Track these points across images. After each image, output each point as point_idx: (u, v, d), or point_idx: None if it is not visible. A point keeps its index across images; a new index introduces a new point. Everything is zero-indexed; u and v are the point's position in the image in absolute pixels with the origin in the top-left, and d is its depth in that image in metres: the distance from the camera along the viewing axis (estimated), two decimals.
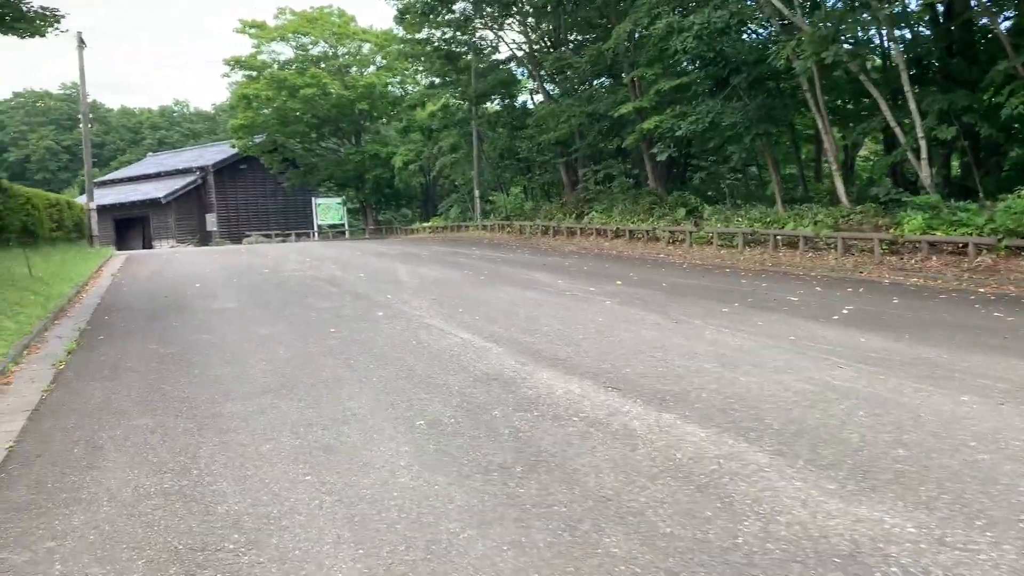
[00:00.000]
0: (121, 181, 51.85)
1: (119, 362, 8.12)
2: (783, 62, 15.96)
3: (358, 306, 11.38)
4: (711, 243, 18.92)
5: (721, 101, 18.10)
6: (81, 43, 27.71)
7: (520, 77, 35.28)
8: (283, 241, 43.04)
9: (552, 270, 15.96)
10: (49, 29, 10.54)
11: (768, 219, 17.98)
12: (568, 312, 10.07)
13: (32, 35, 10.44)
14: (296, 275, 16.55)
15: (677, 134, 18.94)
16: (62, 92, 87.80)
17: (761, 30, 20.11)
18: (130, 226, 47.46)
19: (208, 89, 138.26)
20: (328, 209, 45.43)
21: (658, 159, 21.13)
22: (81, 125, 30.94)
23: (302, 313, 10.93)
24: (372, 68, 43.60)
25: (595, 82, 27.96)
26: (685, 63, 19.55)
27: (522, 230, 28.92)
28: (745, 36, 20.02)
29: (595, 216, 24.47)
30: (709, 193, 25.65)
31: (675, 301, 10.92)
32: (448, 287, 13.29)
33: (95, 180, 57.52)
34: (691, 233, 19.41)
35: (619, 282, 13.24)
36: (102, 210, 47.15)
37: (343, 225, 46.08)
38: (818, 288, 12.20)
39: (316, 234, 45.46)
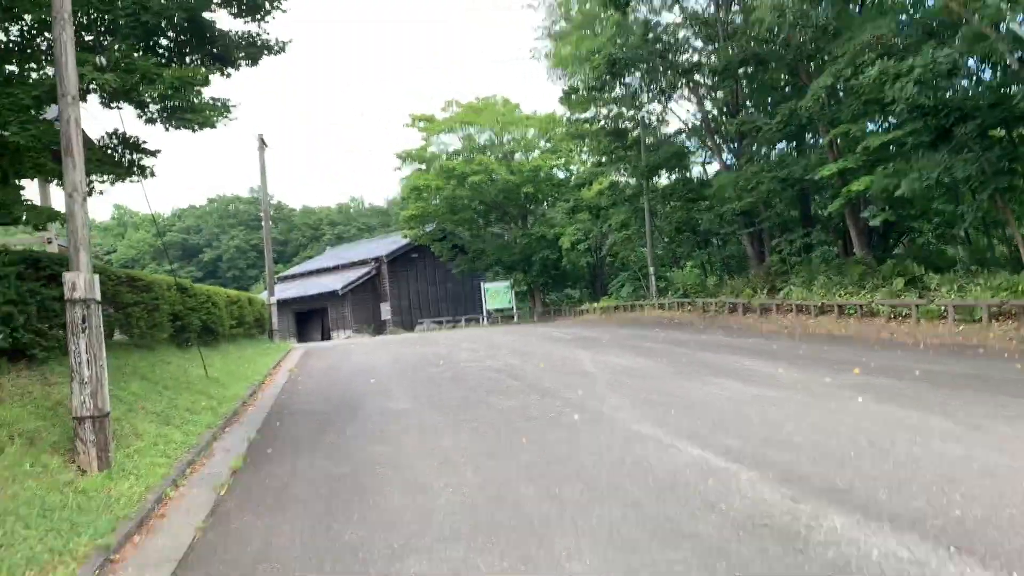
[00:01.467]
0: (301, 275, 54.19)
1: (285, 487, 6.94)
2: None
3: (547, 406, 9.85)
4: (944, 318, 16.09)
5: (948, 154, 15.54)
6: (263, 144, 28.92)
7: (691, 149, 33.62)
8: (453, 327, 42.83)
9: (761, 355, 13.83)
10: (219, 119, 10.19)
11: (1020, 287, 15.02)
12: (814, 414, 8.03)
13: (202, 126, 10.10)
14: (472, 366, 15.35)
15: (897, 194, 16.44)
16: (250, 196, 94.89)
17: (986, 73, 17.46)
18: (310, 318, 49.13)
19: (381, 185, 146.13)
20: (496, 293, 45.01)
21: (871, 223, 18.62)
22: (263, 223, 32.19)
23: (485, 415, 9.52)
24: (536, 152, 43.45)
25: (781, 146, 25.82)
26: (896, 117, 17.14)
27: (705, 308, 26.72)
28: (966, 80, 17.44)
29: (793, 290, 21.97)
30: (914, 260, 22.53)
31: (947, 396, 8.60)
32: (646, 380, 11.52)
33: (278, 275, 60.74)
34: (918, 307, 16.66)
35: (856, 370, 10.98)
36: (283, 304, 49.22)
37: (511, 308, 45.48)
38: None
39: (485, 319, 45.06)
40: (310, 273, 53.21)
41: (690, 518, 5.03)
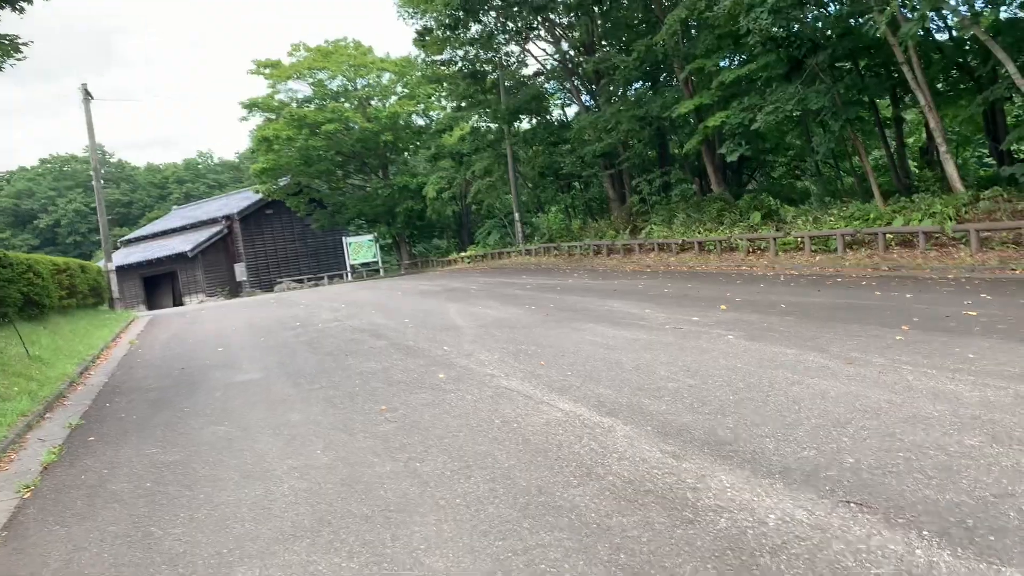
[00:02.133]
0: (147, 238, 50.56)
1: (102, 483, 5.93)
2: (883, 29, 13.51)
3: (411, 366, 9.13)
4: (801, 249, 16.45)
5: (800, 86, 15.65)
6: (87, 96, 26.09)
7: (550, 92, 33.15)
8: (316, 285, 41.15)
9: (629, 296, 13.58)
10: (7, 61, 8.56)
11: (871, 215, 15.45)
12: (688, 356, 7.68)
13: None
14: (332, 327, 14.38)
15: (753, 127, 16.49)
16: (86, 154, 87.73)
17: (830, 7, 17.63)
18: (159, 283, 45.98)
19: (231, 138, 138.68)
20: (360, 248, 43.53)
21: (727, 159, 18.71)
22: (93, 182, 29.35)
23: (343, 382, 8.70)
24: (394, 99, 41.76)
25: (637, 86, 25.64)
26: (751, 50, 17.07)
27: (571, 252, 26.61)
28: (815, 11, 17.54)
29: (654, 229, 22.04)
30: (769, 194, 23.01)
31: (818, 329, 8.48)
32: (516, 330, 10.97)
33: (123, 239, 56.52)
34: (776, 239, 16.93)
35: (723, 307, 10.83)
36: (129, 269, 45.83)
37: (377, 263, 44.15)
38: (986, 295, 9.69)
39: (350, 275, 43.57)
40: (156, 235, 49.69)
41: (565, 487, 4.47)
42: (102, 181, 28.37)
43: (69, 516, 5.31)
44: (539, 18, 28.62)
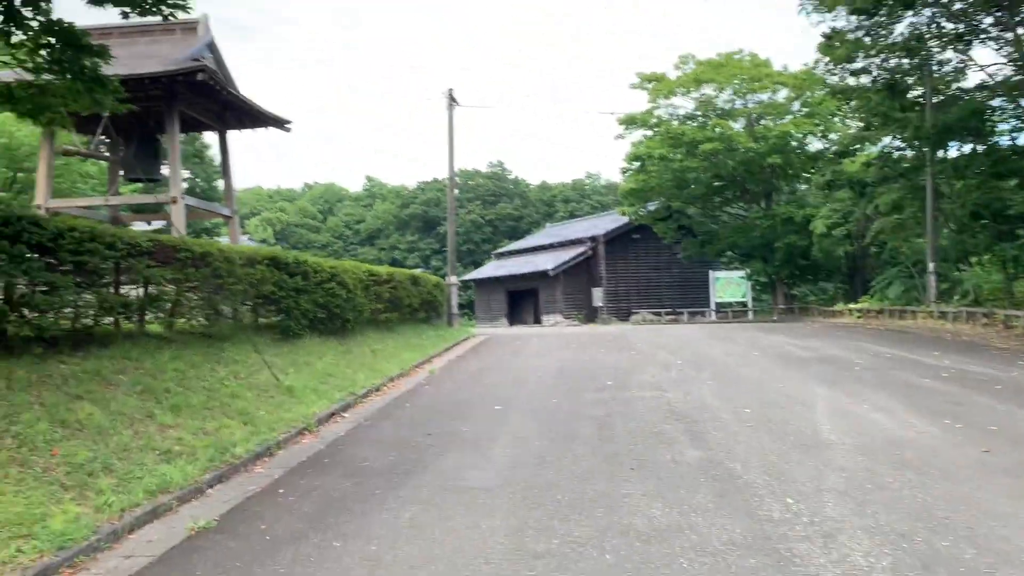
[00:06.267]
0: (518, 253, 51.10)
1: None
2: None
3: (713, 543, 4.86)
4: None
5: None
6: (452, 102, 25.43)
7: (998, 111, 25.44)
8: (673, 320, 37.36)
9: None
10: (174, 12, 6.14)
11: None
12: None
13: (168, 5, 6.06)
14: (646, 399, 10.46)
15: None
16: (489, 170, 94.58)
17: None
18: (522, 299, 45.82)
19: (617, 158, 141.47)
20: (728, 284, 38.76)
21: None
22: (447, 192, 28.83)
23: (579, 568, 4.76)
24: (788, 118, 36.32)
25: None
26: None
27: (1009, 323, 19.48)
28: None
29: None
30: None
31: None
32: (933, 489, 5.98)
33: (496, 252, 58.36)
34: None
35: None
36: (496, 282, 46.46)
37: (746, 303, 39.00)
38: None
39: (714, 313, 38.99)
40: (526, 251, 49.92)
41: None
42: (448, 188, 27.52)
43: None
44: (992, 10, 21.75)
